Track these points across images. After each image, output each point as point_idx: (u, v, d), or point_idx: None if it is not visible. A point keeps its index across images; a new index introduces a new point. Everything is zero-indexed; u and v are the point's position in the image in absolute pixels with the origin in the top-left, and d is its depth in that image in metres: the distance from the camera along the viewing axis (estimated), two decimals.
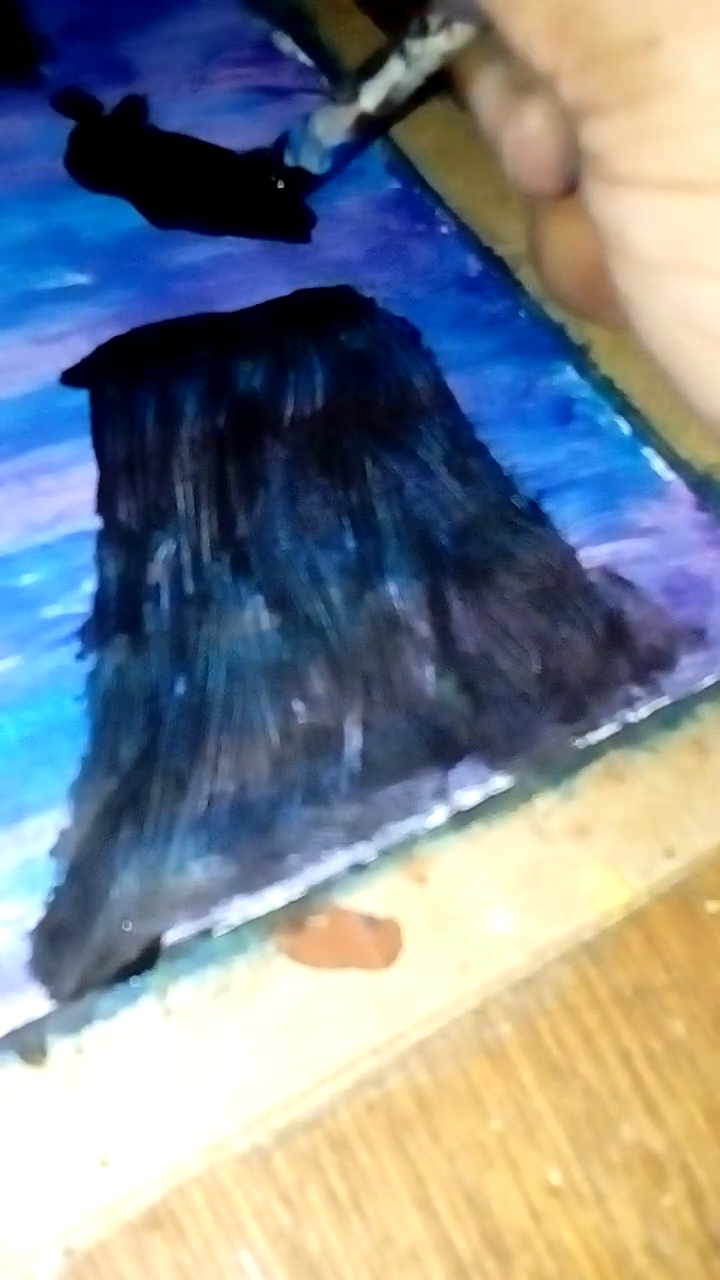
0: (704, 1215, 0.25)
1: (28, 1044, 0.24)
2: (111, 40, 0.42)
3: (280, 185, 0.37)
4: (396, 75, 0.30)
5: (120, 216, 0.38)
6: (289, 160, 0.35)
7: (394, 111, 0.32)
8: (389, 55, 0.30)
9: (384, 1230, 0.24)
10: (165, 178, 0.38)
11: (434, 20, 0.28)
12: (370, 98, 0.31)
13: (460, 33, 0.28)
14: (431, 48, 0.28)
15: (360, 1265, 0.23)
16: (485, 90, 0.29)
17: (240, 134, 0.39)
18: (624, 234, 0.23)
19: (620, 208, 0.23)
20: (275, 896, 0.26)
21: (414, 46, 0.29)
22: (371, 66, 0.31)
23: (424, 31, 0.28)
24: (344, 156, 0.35)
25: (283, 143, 0.36)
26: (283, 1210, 0.24)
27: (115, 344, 0.35)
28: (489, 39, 0.27)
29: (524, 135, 0.27)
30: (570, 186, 0.27)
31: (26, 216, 0.37)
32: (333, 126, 0.32)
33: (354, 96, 0.31)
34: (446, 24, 0.28)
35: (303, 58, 0.42)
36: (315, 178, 0.36)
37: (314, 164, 0.34)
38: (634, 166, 0.22)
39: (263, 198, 0.37)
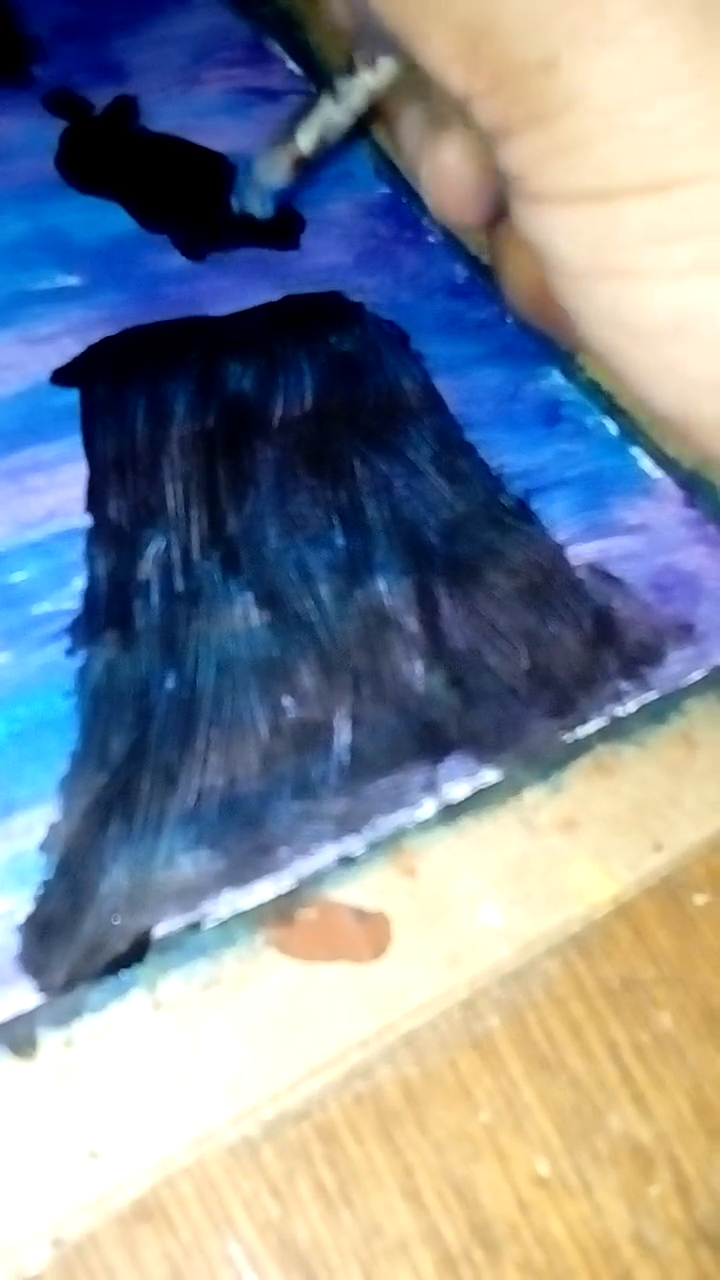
0: (690, 1206, 0.25)
1: (17, 1037, 0.24)
2: (103, 41, 0.42)
3: (223, 229, 0.38)
4: (327, 114, 0.30)
5: (111, 219, 0.38)
6: (235, 207, 0.35)
7: (328, 151, 0.32)
8: (321, 96, 0.31)
9: (372, 1221, 0.24)
10: (155, 179, 0.39)
11: (359, 58, 0.29)
12: (305, 138, 0.31)
13: (385, 69, 0.28)
14: (358, 85, 0.29)
15: (349, 1256, 0.23)
16: (406, 126, 0.29)
17: (230, 135, 0.40)
18: (549, 247, 0.24)
19: (542, 223, 0.24)
20: (264, 890, 0.26)
21: (342, 85, 0.29)
22: (305, 109, 0.31)
23: (351, 69, 0.29)
24: (285, 199, 0.36)
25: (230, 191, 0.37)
26: (271, 1201, 0.24)
27: (106, 344, 0.35)
28: (413, 77, 0.28)
29: (440, 167, 0.28)
30: (494, 215, 0.28)
31: (18, 217, 0.37)
32: (272, 169, 0.33)
33: (291, 138, 0.32)
34: (371, 61, 0.28)
35: (290, 63, 0.43)
36: (260, 223, 0.36)
37: (256, 208, 0.35)
38: (547, 182, 0.23)
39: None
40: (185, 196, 0.39)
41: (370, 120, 0.31)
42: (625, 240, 0.23)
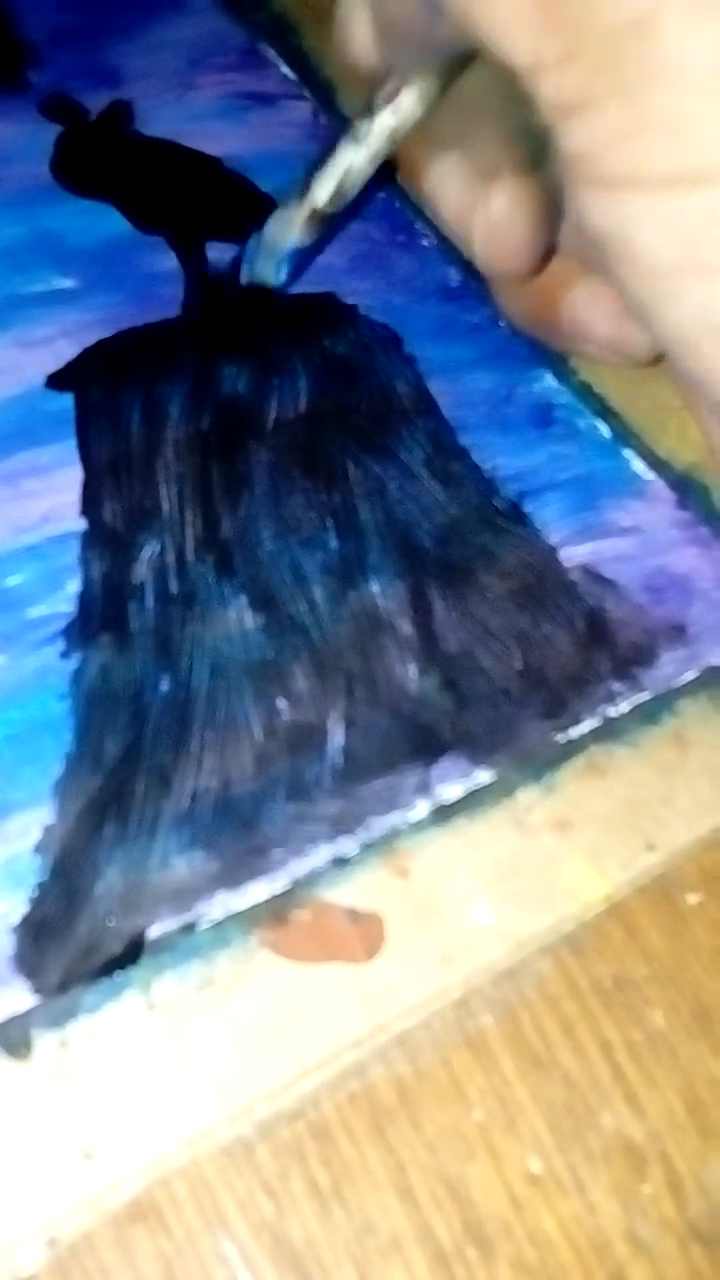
0: (683, 1204, 0.25)
1: (12, 1038, 0.24)
2: (98, 47, 0.42)
3: (238, 303, 0.35)
4: (348, 160, 0.28)
5: (106, 221, 0.38)
6: (244, 278, 0.33)
7: (346, 206, 0.30)
8: (337, 143, 0.28)
9: (366, 1219, 0.24)
10: (150, 183, 0.39)
11: (379, 96, 0.27)
12: (323, 189, 0.29)
13: (407, 105, 0.26)
14: (379, 126, 0.27)
15: (342, 1254, 0.24)
16: (443, 181, 0.27)
17: (225, 140, 0.40)
18: (626, 239, 0.21)
19: (620, 211, 0.21)
20: (258, 891, 0.26)
21: (362, 127, 0.27)
22: (321, 160, 0.29)
23: (369, 110, 0.27)
24: (301, 261, 0.33)
25: (237, 261, 0.34)
26: (265, 1200, 0.24)
27: (100, 347, 0.35)
28: (440, 122, 0.26)
29: (493, 220, 0.26)
30: (540, 264, 0.27)
31: (13, 221, 0.37)
32: (285, 229, 0.30)
33: (305, 192, 0.29)
34: (391, 98, 0.26)
35: (285, 68, 0.43)
36: (273, 291, 0.34)
37: (270, 275, 0.32)
38: (630, 163, 0.20)
39: (221, 323, 0.35)
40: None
41: (391, 169, 0.29)
42: None
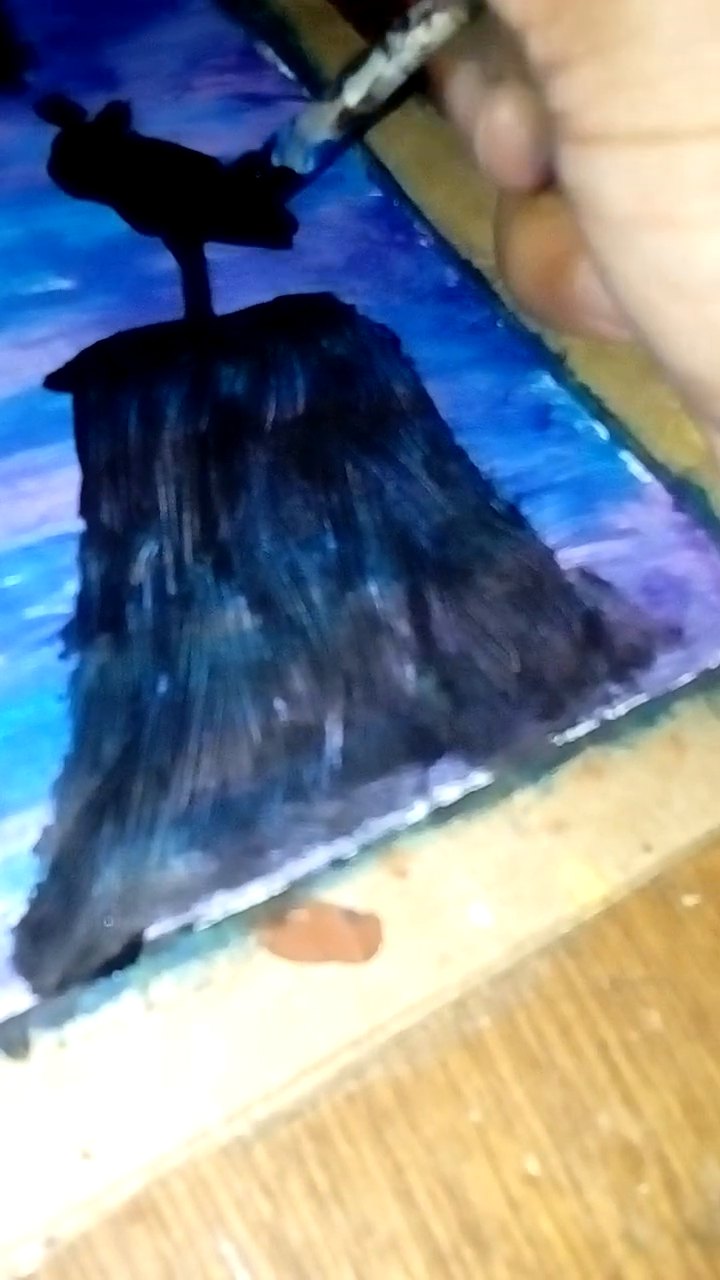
0: (680, 1204, 0.25)
1: (11, 1038, 0.24)
2: (95, 48, 0.42)
3: (260, 179, 0.37)
4: (378, 69, 0.30)
5: (103, 222, 0.38)
6: (275, 160, 0.35)
7: (376, 109, 0.32)
8: (371, 51, 0.30)
9: (364, 1220, 0.24)
10: (147, 184, 0.39)
11: (414, 13, 0.28)
12: (353, 92, 0.31)
13: (439, 25, 0.28)
14: (412, 41, 0.29)
15: (340, 1254, 0.24)
16: (458, 85, 0.29)
17: (222, 141, 0.40)
18: (594, 192, 0.23)
19: (590, 165, 0.22)
20: (256, 892, 0.26)
21: (395, 40, 0.29)
22: (355, 63, 0.31)
23: (405, 25, 0.29)
24: (328, 155, 0.35)
25: (270, 144, 0.36)
26: (263, 1201, 0.24)
27: (98, 348, 0.35)
28: (467, 34, 0.28)
29: (495, 126, 0.27)
30: (542, 180, 0.27)
31: (10, 222, 0.37)
32: (316, 124, 0.33)
33: (337, 92, 0.32)
34: (426, 16, 0.28)
35: (283, 68, 0.43)
36: (300, 178, 0.36)
37: (298, 162, 0.35)
38: (602, 120, 0.22)
39: (245, 202, 0.37)
40: (179, 197, 0.39)
41: (417, 84, 0.31)
42: (680, 187, 0.21)
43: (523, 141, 0.26)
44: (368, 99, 0.31)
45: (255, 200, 0.37)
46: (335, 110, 0.32)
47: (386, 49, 0.29)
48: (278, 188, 0.37)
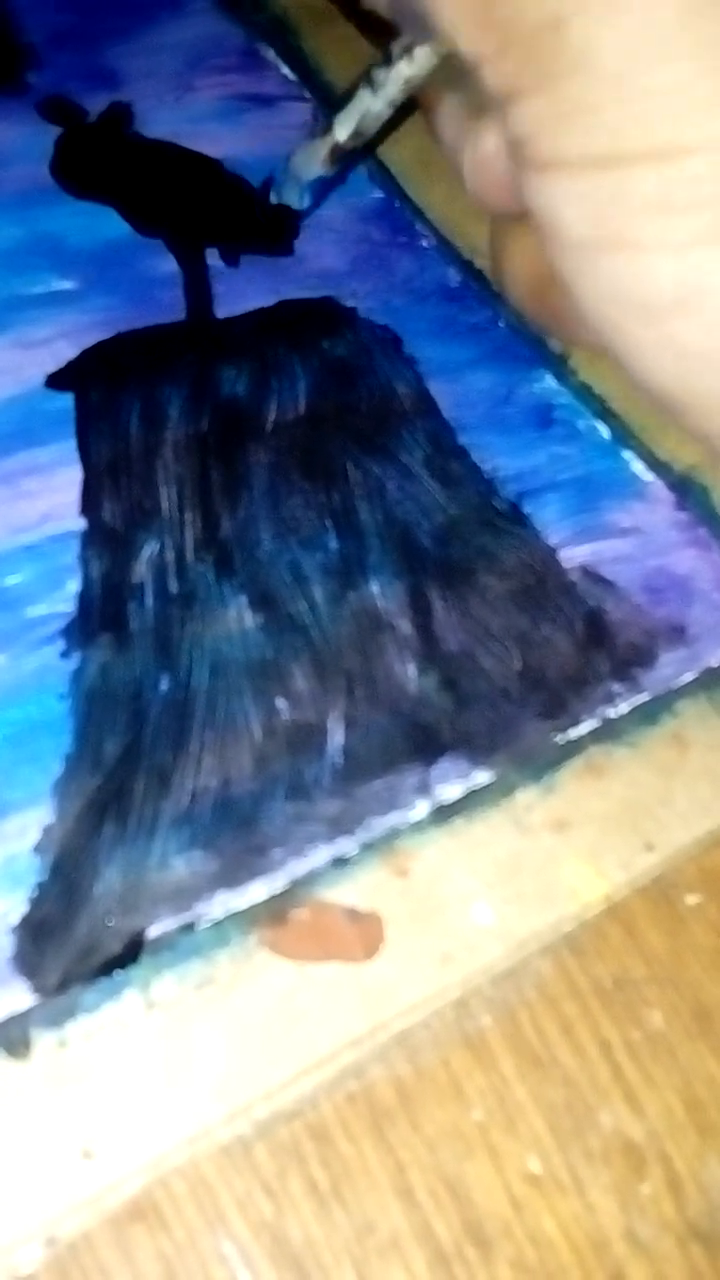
0: (682, 1203, 0.25)
1: (12, 1037, 0.24)
2: (97, 48, 0.42)
3: (264, 222, 0.38)
4: (365, 104, 0.31)
5: (106, 223, 0.38)
6: (273, 199, 0.36)
7: (366, 142, 0.33)
8: (357, 88, 0.31)
9: (365, 1219, 0.24)
10: (149, 185, 0.39)
11: (396, 48, 0.29)
12: (343, 128, 0.31)
13: (421, 58, 0.29)
14: (395, 74, 0.29)
15: (342, 1254, 0.24)
16: (446, 115, 0.29)
17: (224, 141, 0.40)
18: (552, 217, 0.23)
19: (546, 191, 0.23)
20: (257, 890, 0.26)
21: (380, 75, 0.30)
22: (344, 99, 0.32)
23: (388, 60, 0.29)
24: (323, 190, 0.36)
25: (267, 184, 0.37)
26: (265, 1200, 0.24)
27: (100, 349, 0.35)
28: (449, 66, 0.28)
29: (480, 155, 0.28)
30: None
31: (12, 223, 0.37)
32: (310, 161, 0.33)
33: (328, 129, 0.32)
34: (407, 50, 0.29)
35: (284, 69, 0.43)
36: (298, 214, 0.37)
37: (295, 199, 0.35)
38: (553, 147, 0.22)
39: (246, 215, 0.38)
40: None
41: (408, 110, 0.31)
42: (629, 210, 0.22)
43: (506, 170, 0.27)
44: (357, 134, 0.32)
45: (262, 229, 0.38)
46: (327, 146, 0.33)
47: (372, 84, 0.30)
48: (279, 225, 0.38)
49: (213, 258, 0.38)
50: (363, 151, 0.34)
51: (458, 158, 0.29)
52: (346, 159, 0.33)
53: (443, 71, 0.29)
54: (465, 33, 0.23)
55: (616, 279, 0.23)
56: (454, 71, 0.28)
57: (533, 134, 0.23)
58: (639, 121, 0.21)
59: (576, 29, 0.21)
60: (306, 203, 0.36)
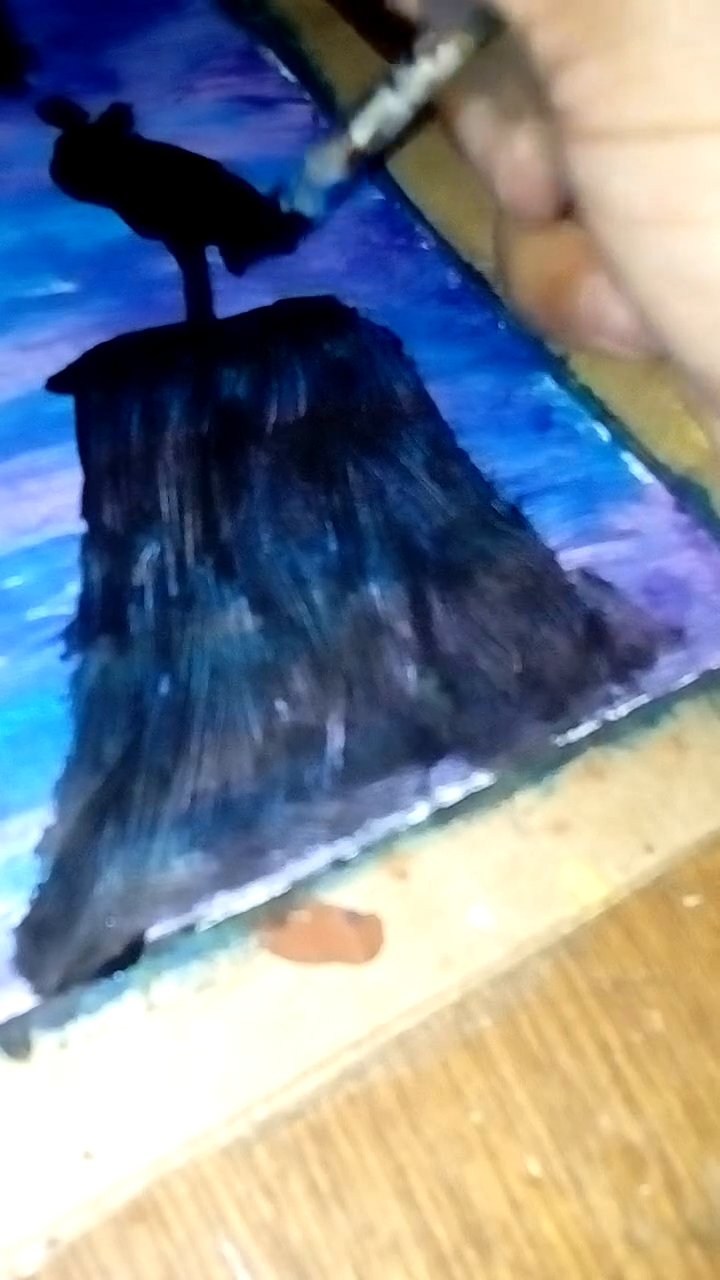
0: (681, 1205, 0.25)
1: (12, 1039, 0.24)
2: (97, 50, 0.42)
3: (273, 230, 0.37)
4: (386, 106, 0.29)
5: (106, 225, 0.38)
6: (284, 206, 0.34)
7: (385, 146, 0.32)
8: (377, 88, 0.30)
9: (365, 1220, 0.24)
10: (149, 187, 0.39)
11: (419, 46, 0.28)
12: (361, 131, 0.30)
13: (445, 57, 0.28)
14: (419, 75, 0.28)
15: (341, 1255, 0.24)
16: (473, 121, 0.29)
17: (224, 143, 0.40)
18: (604, 190, 0.22)
19: (599, 163, 0.22)
20: (258, 892, 0.26)
21: (401, 75, 0.28)
22: (361, 101, 0.31)
23: (410, 60, 0.29)
24: (338, 196, 0.35)
25: (278, 190, 0.35)
26: (265, 1201, 0.24)
27: (100, 350, 0.35)
28: (474, 66, 0.28)
29: (516, 161, 0.27)
30: (563, 209, 0.27)
31: (13, 225, 0.37)
32: (326, 165, 0.32)
33: (345, 132, 0.31)
34: (431, 49, 0.28)
35: (284, 71, 0.43)
36: (310, 221, 0.35)
37: (308, 207, 0.34)
38: (611, 116, 0.21)
39: (253, 222, 0.38)
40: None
41: (426, 115, 0.31)
42: (693, 184, 0.21)
43: (545, 176, 0.26)
44: (377, 137, 0.30)
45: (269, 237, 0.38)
46: (344, 151, 0.31)
47: (393, 84, 0.29)
48: (291, 233, 0.37)
49: (212, 258, 0.38)
50: (379, 156, 0.33)
51: (489, 165, 0.28)
52: (364, 164, 0.33)
53: (467, 73, 0.28)
54: None
55: (672, 255, 0.22)
56: (479, 73, 0.28)
57: (588, 101, 0.21)
58: (708, 89, 0.20)
59: None
60: (321, 209, 0.35)
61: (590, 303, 0.29)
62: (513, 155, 0.27)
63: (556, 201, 0.27)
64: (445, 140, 0.30)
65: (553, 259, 0.28)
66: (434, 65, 0.28)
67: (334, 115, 0.42)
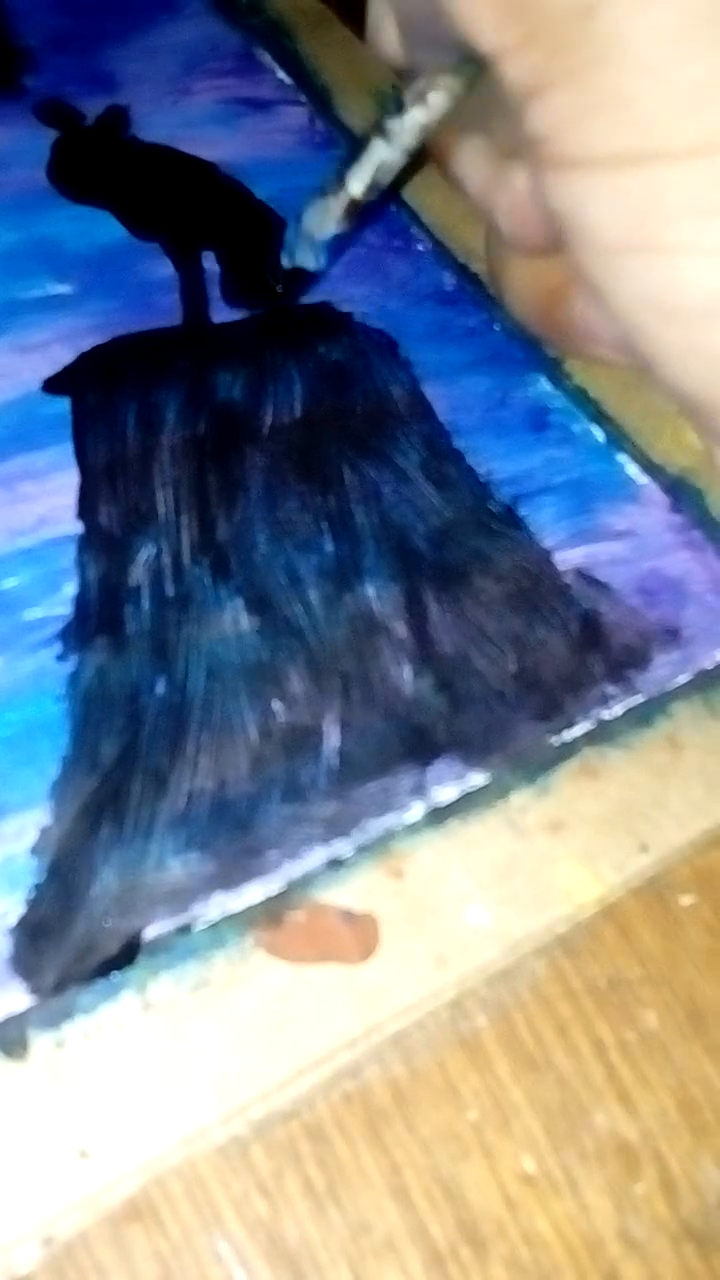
0: (676, 1203, 0.25)
1: (9, 1038, 0.24)
2: (94, 52, 0.42)
3: (280, 290, 0.37)
4: (380, 156, 0.29)
5: (102, 228, 0.38)
6: (285, 263, 0.34)
7: (380, 194, 0.32)
8: (370, 138, 0.30)
9: (360, 1219, 0.24)
10: (146, 189, 0.39)
11: (409, 96, 0.28)
12: (358, 182, 0.30)
13: (436, 102, 0.28)
14: (410, 122, 0.28)
15: (337, 1254, 0.24)
16: (469, 160, 0.28)
17: (221, 145, 0.40)
18: (580, 219, 0.22)
19: (573, 191, 0.22)
20: (254, 892, 0.26)
21: (393, 124, 0.29)
22: (354, 153, 0.31)
23: (400, 108, 0.29)
24: (338, 247, 0.35)
25: (278, 249, 0.35)
26: (260, 1200, 0.24)
27: (97, 352, 0.35)
28: (463, 106, 0.28)
29: (516, 197, 0.27)
30: (556, 242, 0.27)
31: (10, 227, 0.37)
32: (324, 219, 0.32)
33: (341, 185, 0.31)
34: (421, 97, 0.28)
35: (280, 73, 0.43)
36: (314, 274, 0.36)
37: (310, 261, 0.34)
38: (580, 144, 0.21)
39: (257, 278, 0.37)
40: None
41: (420, 158, 0.31)
42: (663, 211, 0.21)
43: (545, 210, 0.26)
44: (373, 186, 0.30)
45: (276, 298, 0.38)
46: (341, 203, 0.31)
47: (385, 134, 0.29)
48: (295, 289, 0.37)
49: (209, 260, 0.38)
50: (376, 203, 0.33)
51: (488, 203, 0.28)
52: (361, 213, 0.32)
53: (457, 113, 0.28)
54: (486, 23, 0.21)
55: (647, 283, 0.22)
56: (470, 112, 0.28)
57: (558, 130, 0.21)
58: (674, 116, 0.20)
59: (607, 17, 0.20)
60: (323, 263, 0.34)
61: (584, 313, 0.29)
62: (512, 191, 0.27)
63: (555, 232, 0.27)
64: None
65: (546, 272, 0.28)
66: (425, 111, 0.28)
67: (338, 126, 0.42)
